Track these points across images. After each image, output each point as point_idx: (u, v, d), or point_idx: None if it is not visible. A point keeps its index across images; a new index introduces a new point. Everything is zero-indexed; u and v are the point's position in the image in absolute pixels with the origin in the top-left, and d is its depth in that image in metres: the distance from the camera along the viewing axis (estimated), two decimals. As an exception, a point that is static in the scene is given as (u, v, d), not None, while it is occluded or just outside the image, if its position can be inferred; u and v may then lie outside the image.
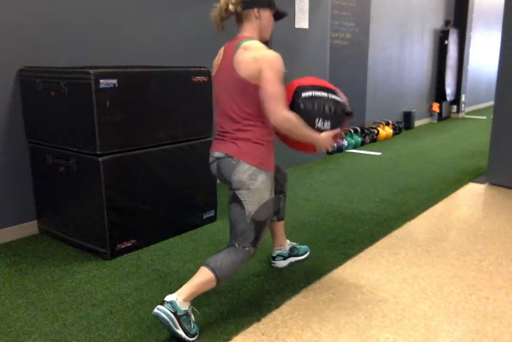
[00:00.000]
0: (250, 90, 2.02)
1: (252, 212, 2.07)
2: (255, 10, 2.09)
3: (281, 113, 1.98)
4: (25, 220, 3.25)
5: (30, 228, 3.27)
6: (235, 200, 2.10)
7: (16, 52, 3.05)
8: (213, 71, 2.21)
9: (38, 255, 2.93)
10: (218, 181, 3.48)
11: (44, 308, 2.31)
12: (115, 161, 2.78)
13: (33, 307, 2.32)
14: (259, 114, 2.07)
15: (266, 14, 2.12)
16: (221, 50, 2.17)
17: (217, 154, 2.13)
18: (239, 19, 2.14)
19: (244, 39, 2.08)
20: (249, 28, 2.12)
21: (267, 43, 2.18)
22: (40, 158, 3.10)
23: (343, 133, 2.32)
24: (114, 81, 2.70)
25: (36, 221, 3.30)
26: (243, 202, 2.07)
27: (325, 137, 2.16)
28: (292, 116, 2.02)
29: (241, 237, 2.09)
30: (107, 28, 3.48)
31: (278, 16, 2.20)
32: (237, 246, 2.10)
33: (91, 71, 2.61)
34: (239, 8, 2.09)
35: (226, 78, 2.09)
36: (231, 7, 2.07)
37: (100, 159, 2.72)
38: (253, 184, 2.06)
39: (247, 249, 2.10)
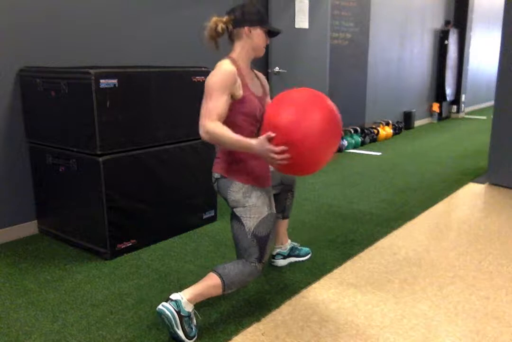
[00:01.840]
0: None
1: (252, 227, 2.08)
2: (246, 28, 2.08)
3: (204, 128, 1.93)
4: (25, 220, 3.25)
5: (30, 228, 3.27)
6: (235, 217, 2.13)
7: (16, 52, 3.05)
8: None
9: (38, 255, 2.93)
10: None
11: (44, 308, 2.31)
12: (115, 161, 2.78)
13: (33, 307, 2.32)
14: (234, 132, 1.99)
15: (257, 32, 2.10)
16: None
17: (216, 175, 2.18)
18: (231, 37, 2.14)
19: (226, 58, 2.10)
20: (238, 47, 2.12)
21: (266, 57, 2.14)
22: (40, 158, 3.10)
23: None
24: (114, 81, 2.70)
25: (36, 221, 3.30)
26: (241, 218, 2.10)
27: (257, 141, 1.87)
28: (213, 127, 1.91)
29: (246, 254, 2.10)
30: (107, 28, 3.48)
31: (272, 33, 2.18)
32: (244, 260, 2.11)
33: (91, 71, 2.61)
34: (230, 27, 2.09)
35: None
36: (220, 26, 2.07)
37: (100, 159, 2.72)
38: (247, 201, 2.09)
39: (254, 264, 2.10)
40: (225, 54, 2.20)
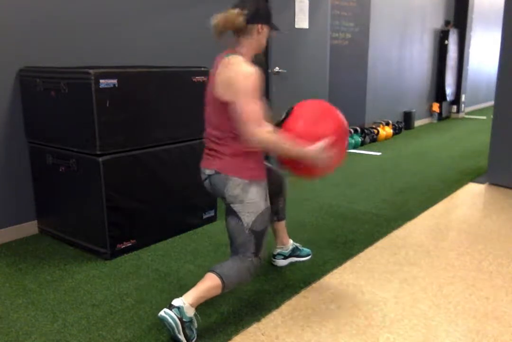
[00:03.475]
0: (225, 108, 1.99)
1: (250, 222, 2.07)
2: (259, 25, 2.06)
3: (256, 137, 1.92)
4: (25, 220, 3.25)
5: (30, 228, 3.27)
6: (232, 213, 2.10)
7: (16, 52, 3.05)
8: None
9: (38, 255, 2.93)
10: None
11: (44, 308, 2.31)
12: (115, 161, 2.78)
13: (33, 307, 2.32)
14: (235, 127, 2.01)
15: (265, 30, 2.11)
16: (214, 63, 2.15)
17: (208, 171, 2.13)
18: (238, 32, 2.08)
19: (230, 53, 2.06)
20: (245, 43, 2.08)
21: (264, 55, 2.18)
22: (40, 158, 3.10)
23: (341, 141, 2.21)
24: (114, 81, 2.70)
25: (36, 221, 3.30)
26: (239, 214, 2.07)
27: (315, 148, 2.04)
28: (268, 136, 1.92)
29: (242, 249, 2.09)
30: (107, 28, 3.48)
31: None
32: (240, 255, 2.10)
33: (91, 71, 2.61)
34: (244, 22, 2.04)
35: (209, 92, 2.10)
36: (240, 19, 2.00)
37: (100, 159, 2.72)
38: (246, 196, 2.06)
39: (250, 259, 2.10)
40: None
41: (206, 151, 2.17)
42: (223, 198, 2.13)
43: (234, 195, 2.07)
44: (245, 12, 2.03)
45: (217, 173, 2.09)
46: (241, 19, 2.01)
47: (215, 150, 2.11)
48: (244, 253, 2.09)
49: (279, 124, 2.18)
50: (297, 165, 2.17)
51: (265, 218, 2.12)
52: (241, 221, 2.08)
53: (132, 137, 2.86)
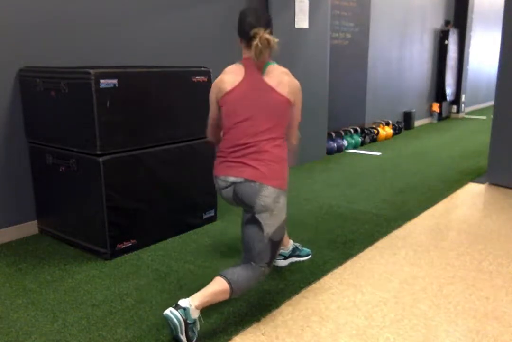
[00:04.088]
0: (288, 111, 2.14)
1: (270, 233, 2.08)
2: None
3: (297, 137, 2.30)
4: (25, 220, 3.25)
5: (30, 228, 3.27)
6: (254, 222, 2.08)
7: (16, 52, 3.05)
8: (226, 88, 2.11)
9: (38, 255, 2.93)
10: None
11: (44, 308, 2.31)
12: (115, 161, 2.78)
13: (33, 307, 2.32)
14: (285, 133, 2.17)
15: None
16: (238, 67, 2.13)
17: (232, 179, 2.08)
18: (262, 52, 2.06)
19: (271, 62, 2.15)
20: (267, 54, 2.09)
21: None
22: (40, 158, 3.10)
23: None
24: (114, 81, 2.70)
25: (36, 221, 3.30)
26: (262, 224, 2.07)
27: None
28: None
29: (258, 258, 2.09)
30: (107, 28, 3.48)
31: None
32: (253, 264, 2.10)
33: (91, 71, 2.61)
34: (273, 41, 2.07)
35: (261, 98, 2.07)
36: (272, 43, 2.05)
37: (100, 159, 2.72)
38: (276, 206, 2.07)
39: (263, 268, 2.10)
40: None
41: (228, 158, 2.11)
42: (250, 206, 2.08)
43: (266, 204, 2.05)
44: (267, 28, 2.09)
45: (247, 181, 2.05)
46: (272, 42, 2.06)
47: (246, 157, 2.06)
48: (259, 263, 2.09)
49: None
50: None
51: (284, 228, 2.14)
52: (262, 230, 2.07)
53: (132, 137, 2.86)
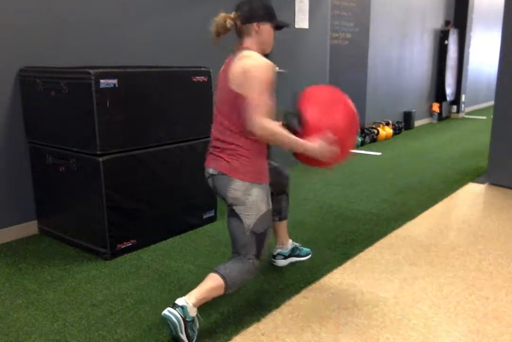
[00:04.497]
0: (238, 101, 1.98)
1: (251, 225, 2.08)
2: (255, 24, 2.07)
3: (259, 125, 1.92)
4: (25, 220, 3.25)
5: (30, 228, 3.27)
6: (233, 214, 2.10)
7: (16, 52, 3.05)
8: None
9: (38, 255, 2.93)
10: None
11: (44, 308, 2.31)
12: (115, 161, 2.78)
13: (33, 307, 2.32)
14: (244, 122, 2.02)
15: (266, 28, 2.10)
16: (226, 60, 2.14)
17: (211, 171, 2.13)
18: (239, 33, 2.12)
19: (244, 49, 2.08)
20: (248, 42, 2.10)
21: (267, 55, 2.14)
22: (40, 158, 3.10)
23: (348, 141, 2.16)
24: (114, 81, 2.70)
25: (36, 221, 3.30)
26: (241, 216, 2.08)
27: (315, 145, 2.03)
28: (272, 125, 1.94)
29: (244, 250, 2.10)
30: (107, 28, 3.48)
31: (278, 27, 2.18)
32: (241, 256, 2.11)
33: (91, 71, 2.61)
34: (238, 23, 2.08)
35: (221, 89, 2.09)
36: (228, 22, 2.06)
37: (100, 159, 2.72)
38: (248, 198, 2.06)
39: (252, 261, 2.10)
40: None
41: (211, 150, 2.17)
42: (223, 199, 2.13)
43: (235, 197, 2.07)
44: (239, 13, 2.07)
45: (220, 173, 2.09)
46: (229, 22, 2.06)
47: (221, 150, 2.10)
48: (245, 255, 2.10)
49: (290, 129, 2.10)
50: (306, 156, 2.13)
51: (267, 219, 2.12)
52: (242, 222, 2.08)
53: (132, 137, 2.86)
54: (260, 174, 2.11)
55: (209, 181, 2.17)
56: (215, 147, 2.14)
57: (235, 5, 2.13)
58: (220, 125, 2.10)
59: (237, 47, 2.13)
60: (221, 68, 2.14)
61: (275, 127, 1.95)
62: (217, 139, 2.12)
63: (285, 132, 1.98)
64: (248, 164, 2.07)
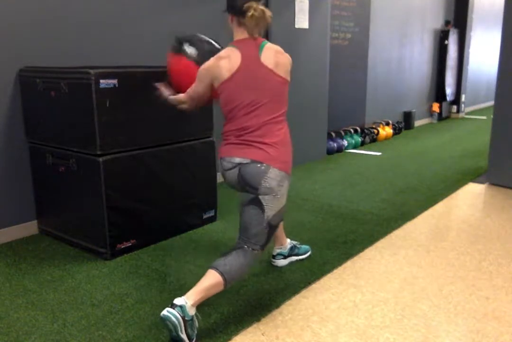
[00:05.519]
0: (287, 90, 2.14)
1: (270, 216, 2.09)
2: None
3: None
4: (25, 220, 3.25)
5: (30, 228, 3.27)
6: (256, 203, 2.08)
7: (16, 52, 3.05)
8: (224, 76, 2.08)
9: (38, 255, 2.93)
10: (219, 181, 3.47)
11: (44, 308, 2.31)
12: (115, 162, 2.78)
13: (33, 307, 2.32)
14: (285, 114, 2.15)
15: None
16: (232, 52, 2.08)
17: (238, 160, 2.08)
18: (259, 24, 2.09)
19: (264, 40, 2.13)
20: (262, 28, 2.13)
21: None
22: (40, 158, 3.10)
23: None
24: (114, 81, 2.70)
25: (36, 221, 3.30)
26: (265, 206, 2.07)
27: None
28: None
29: (254, 240, 2.10)
30: (107, 28, 3.48)
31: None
32: (246, 248, 2.10)
33: (91, 71, 2.61)
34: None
35: (262, 81, 2.06)
36: (267, 14, 2.08)
37: (100, 159, 2.72)
38: (280, 190, 2.09)
39: (256, 251, 2.11)
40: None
41: (235, 141, 2.10)
42: (255, 188, 2.07)
43: (271, 186, 2.05)
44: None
45: (254, 161, 2.04)
46: (268, 14, 2.13)
47: (254, 140, 2.06)
48: (253, 245, 2.10)
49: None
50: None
51: (282, 214, 2.17)
52: (263, 213, 2.08)
53: (132, 137, 2.86)
54: (291, 165, 2.15)
55: (233, 171, 2.10)
56: (241, 136, 2.08)
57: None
58: (257, 115, 2.06)
59: (250, 37, 2.11)
60: (234, 60, 2.06)
61: None
62: (248, 129, 2.07)
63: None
64: (286, 154, 2.10)
